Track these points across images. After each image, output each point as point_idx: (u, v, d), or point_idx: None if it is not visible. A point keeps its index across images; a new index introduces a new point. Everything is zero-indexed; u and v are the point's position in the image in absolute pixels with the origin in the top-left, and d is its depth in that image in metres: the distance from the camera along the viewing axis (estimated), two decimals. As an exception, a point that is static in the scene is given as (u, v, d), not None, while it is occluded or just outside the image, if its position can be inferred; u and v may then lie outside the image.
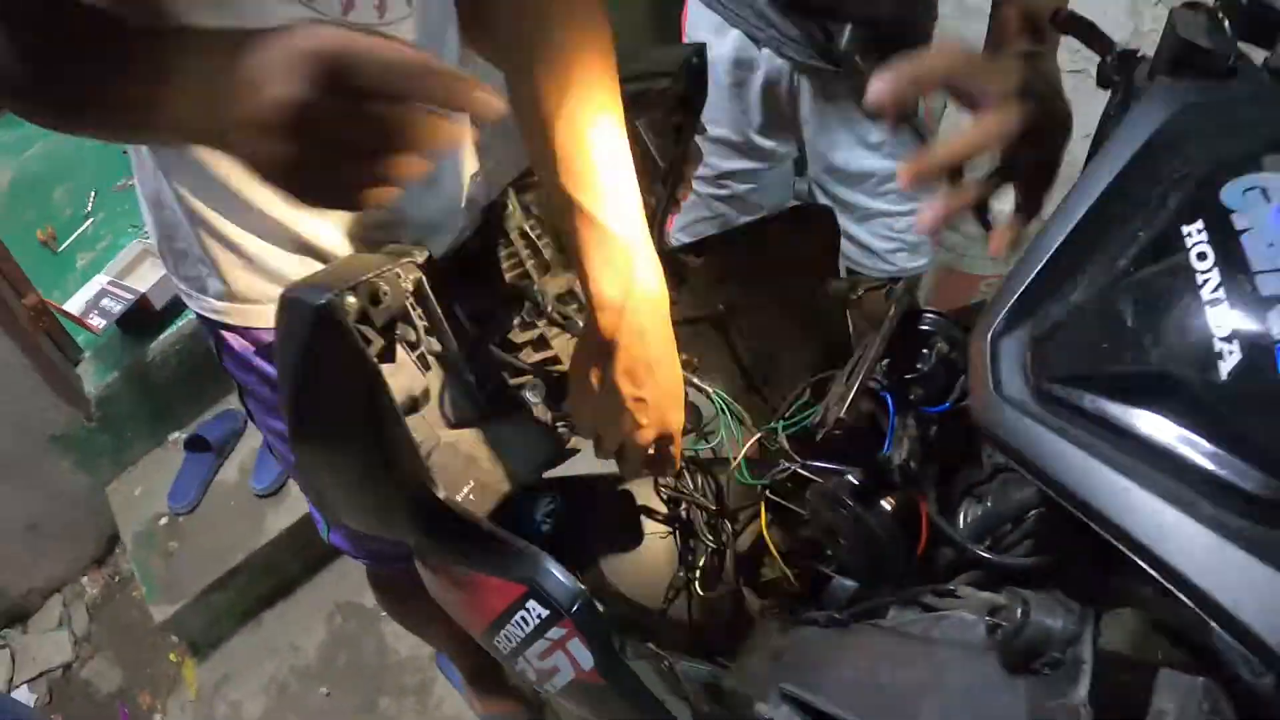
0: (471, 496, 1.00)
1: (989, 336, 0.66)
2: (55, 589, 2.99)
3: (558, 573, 0.84)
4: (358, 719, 2.45)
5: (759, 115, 1.78)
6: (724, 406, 1.11)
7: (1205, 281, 0.56)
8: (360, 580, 2.56)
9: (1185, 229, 0.59)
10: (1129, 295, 0.61)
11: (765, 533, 1.07)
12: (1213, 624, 0.50)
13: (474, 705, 2.30)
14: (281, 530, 2.62)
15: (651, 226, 1.12)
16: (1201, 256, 0.57)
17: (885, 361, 0.92)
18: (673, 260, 1.20)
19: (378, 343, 0.83)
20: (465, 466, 1.00)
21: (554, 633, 0.87)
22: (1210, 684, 0.54)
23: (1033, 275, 0.67)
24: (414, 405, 0.94)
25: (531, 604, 0.86)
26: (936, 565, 0.89)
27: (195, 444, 2.76)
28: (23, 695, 2.78)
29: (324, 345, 0.79)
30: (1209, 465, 0.53)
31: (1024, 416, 0.61)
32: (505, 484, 1.03)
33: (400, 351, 0.90)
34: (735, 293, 1.26)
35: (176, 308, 2.71)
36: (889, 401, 0.87)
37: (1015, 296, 0.67)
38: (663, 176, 1.15)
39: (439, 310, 0.92)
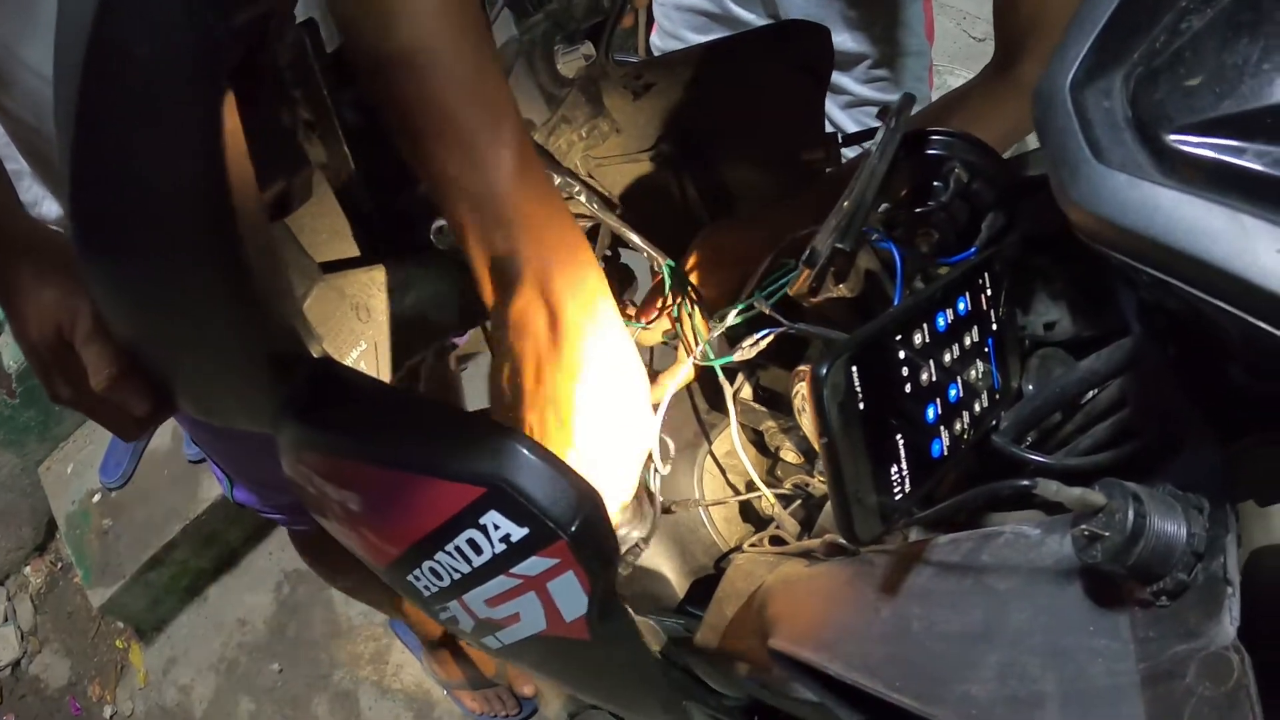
0: (363, 363, 0.74)
1: (1068, 87, 0.42)
2: None
3: (548, 466, 0.55)
4: (312, 694, 2.28)
5: None
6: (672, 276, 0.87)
7: None
8: (307, 545, 2.43)
9: None
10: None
11: (738, 433, 0.83)
12: None
13: (435, 671, 2.10)
14: (217, 496, 2.42)
15: (603, 38, 0.93)
16: None
17: (883, 207, 0.68)
18: (617, 86, 0.96)
19: (233, 51, 0.52)
20: (355, 319, 0.75)
21: (531, 565, 0.57)
22: None
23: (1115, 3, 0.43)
24: (284, 204, 0.66)
25: (493, 518, 0.56)
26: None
27: (125, 412, 2.54)
28: (-26, 705, 2.66)
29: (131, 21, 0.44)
30: None
31: (1145, 183, 0.38)
32: (405, 353, 0.79)
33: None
34: (694, 124, 1.01)
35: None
36: (894, 252, 0.64)
37: (1097, 31, 0.43)
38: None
39: (328, 97, 0.67)
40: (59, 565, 2.86)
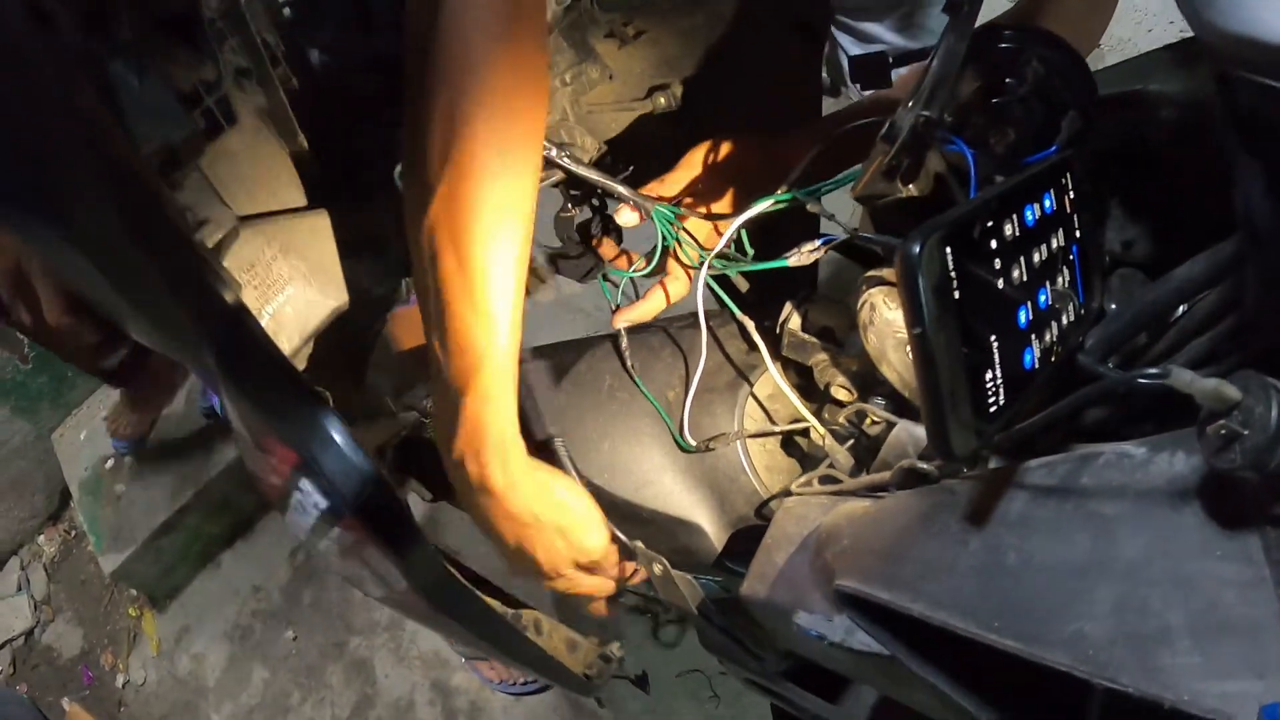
0: (289, 307, 0.75)
1: None
2: (12, 551, 2.87)
3: (342, 442, 0.59)
4: (327, 663, 2.26)
5: None
6: (668, 224, 0.84)
7: None
8: (324, 511, 2.42)
9: None
10: None
11: (776, 370, 0.78)
12: None
13: (453, 643, 2.06)
14: (232, 460, 2.40)
15: None
16: None
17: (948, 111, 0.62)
18: (605, 31, 0.96)
19: (65, 25, 0.54)
20: (282, 264, 0.76)
21: (341, 535, 0.64)
22: None
23: None
24: (172, 159, 0.66)
25: (307, 485, 0.62)
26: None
27: (138, 375, 2.53)
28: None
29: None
30: None
31: None
32: (338, 296, 0.79)
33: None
34: (688, 75, 0.99)
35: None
36: (966, 152, 0.57)
37: None
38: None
39: (261, 38, 0.65)
40: (72, 533, 2.85)
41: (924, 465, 0.55)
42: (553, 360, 0.97)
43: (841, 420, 0.76)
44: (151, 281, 0.60)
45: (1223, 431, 0.37)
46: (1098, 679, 0.40)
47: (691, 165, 0.89)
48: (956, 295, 0.43)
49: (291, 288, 0.76)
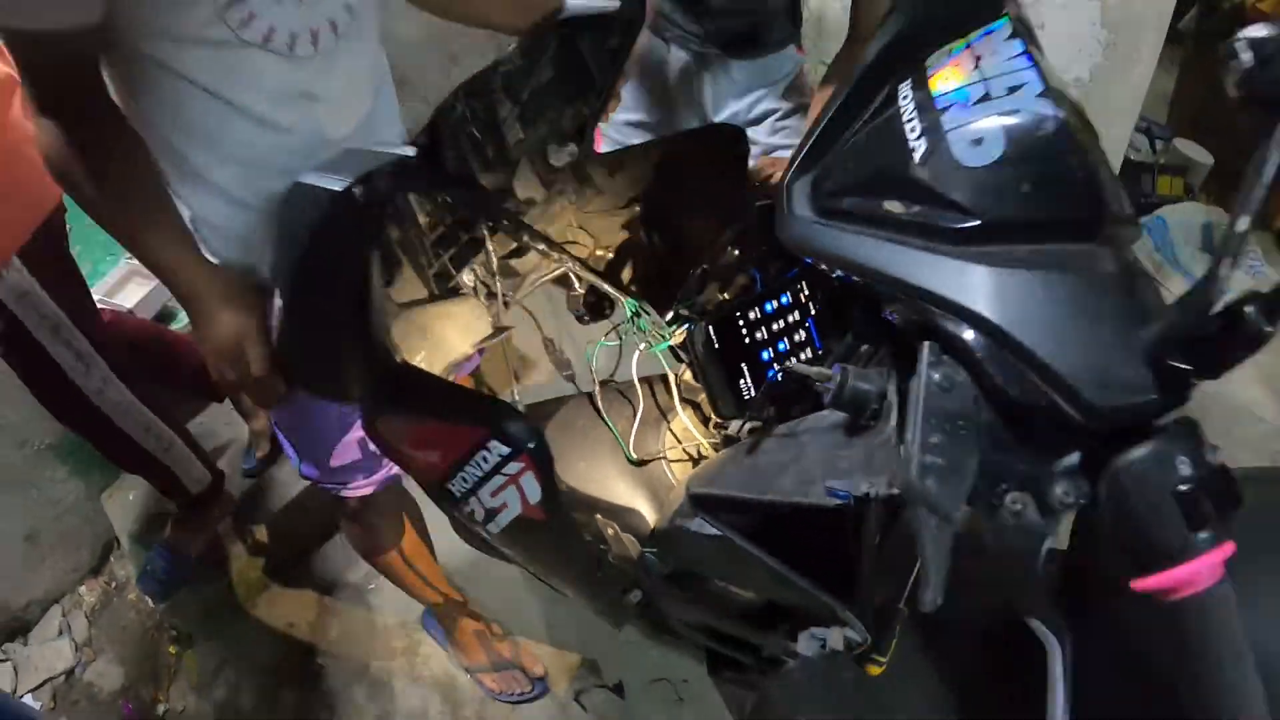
0: (423, 365, 1.21)
1: (785, 183, 0.91)
2: (54, 600, 3.00)
3: (519, 418, 1.03)
4: (352, 684, 2.53)
5: (673, 99, 1.95)
6: (634, 308, 1.33)
7: (905, 109, 0.83)
8: (348, 559, 2.75)
9: (899, 85, 0.86)
10: (867, 133, 0.88)
11: (675, 390, 1.29)
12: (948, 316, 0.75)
13: (459, 658, 2.40)
14: (271, 516, 2.76)
15: (584, 136, 1.37)
16: (906, 96, 0.85)
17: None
18: (598, 164, 1.41)
19: (374, 228, 1.03)
20: (419, 337, 1.22)
21: (511, 467, 1.06)
22: (933, 344, 0.77)
23: (812, 139, 0.92)
24: (388, 283, 1.16)
25: (494, 444, 1.05)
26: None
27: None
28: (27, 703, 2.77)
29: (333, 229, 0.93)
30: (926, 219, 0.79)
31: (810, 223, 0.86)
32: (450, 354, 1.26)
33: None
34: (654, 190, 1.43)
35: (164, 319, 2.95)
36: (755, 275, 1.11)
37: (801, 155, 0.92)
38: (598, 90, 1.37)
39: (406, 201, 1.14)
40: (113, 584, 3.00)
41: (730, 432, 1.07)
42: (545, 410, 1.48)
43: (714, 432, 1.27)
44: (361, 342, 1.08)
45: (822, 387, 0.88)
46: (785, 500, 0.90)
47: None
48: (716, 348, 0.96)
49: (423, 352, 1.21)
